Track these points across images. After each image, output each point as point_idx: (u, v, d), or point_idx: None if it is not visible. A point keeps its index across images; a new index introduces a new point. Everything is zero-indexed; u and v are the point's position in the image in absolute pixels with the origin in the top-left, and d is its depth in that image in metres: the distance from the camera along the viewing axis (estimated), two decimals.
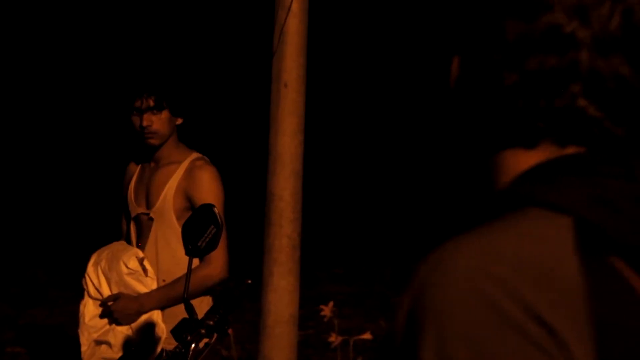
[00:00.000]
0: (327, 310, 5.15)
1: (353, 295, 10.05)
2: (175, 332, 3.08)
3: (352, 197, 14.25)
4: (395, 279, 10.62)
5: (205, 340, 3.09)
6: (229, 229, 3.23)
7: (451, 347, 0.98)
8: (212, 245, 3.16)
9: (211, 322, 3.08)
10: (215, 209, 3.21)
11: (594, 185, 1.07)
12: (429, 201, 12.76)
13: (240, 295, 3.17)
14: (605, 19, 1.09)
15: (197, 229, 3.17)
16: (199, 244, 3.16)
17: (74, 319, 8.57)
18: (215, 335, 3.08)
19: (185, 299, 3.11)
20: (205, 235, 3.16)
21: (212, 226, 3.16)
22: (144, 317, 4.14)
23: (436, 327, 1.00)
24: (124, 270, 4.14)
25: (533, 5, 1.11)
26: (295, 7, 4.49)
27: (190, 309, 3.11)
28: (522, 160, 1.13)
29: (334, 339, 5.18)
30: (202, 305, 4.00)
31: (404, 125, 14.43)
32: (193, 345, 3.03)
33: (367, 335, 5.10)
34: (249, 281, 3.18)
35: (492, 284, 0.99)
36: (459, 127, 1.23)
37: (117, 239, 4.48)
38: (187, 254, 3.17)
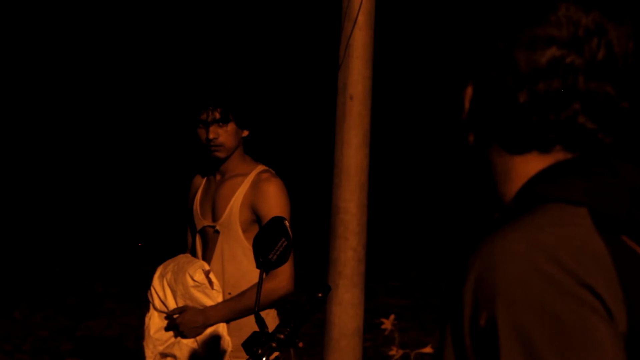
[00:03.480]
0: (387, 324, 5.12)
1: (410, 308, 10.01)
2: (246, 345, 3.05)
3: (410, 210, 14.20)
4: None
5: (276, 353, 3.06)
6: (295, 241, 3.22)
7: (521, 314, 1.22)
8: (282, 259, 3.15)
9: (282, 336, 3.05)
10: (286, 222, 3.20)
11: (592, 182, 1.33)
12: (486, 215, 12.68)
13: (311, 309, 3.15)
14: (594, 51, 1.37)
15: (268, 242, 3.16)
16: (269, 256, 3.14)
17: (131, 331, 8.65)
18: (289, 348, 3.06)
19: (256, 312, 3.10)
20: (276, 248, 3.14)
21: (283, 239, 3.15)
22: (209, 330, 4.13)
23: (505, 300, 1.23)
24: (190, 283, 4.13)
25: (538, 41, 1.38)
26: (361, 19, 4.47)
27: (260, 322, 3.09)
28: (531, 166, 1.39)
29: (395, 352, 5.15)
30: (268, 318, 3.99)
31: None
32: (264, 359, 3.01)
33: (428, 349, 5.07)
34: (320, 294, 3.16)
35: (545, 260, 1.23)
36: (474, 141, 1.48)
37: (182, 252, 4.49)
38: (258, 266, 3.15)
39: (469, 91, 1.47)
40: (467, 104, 1.47)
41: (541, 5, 1.39)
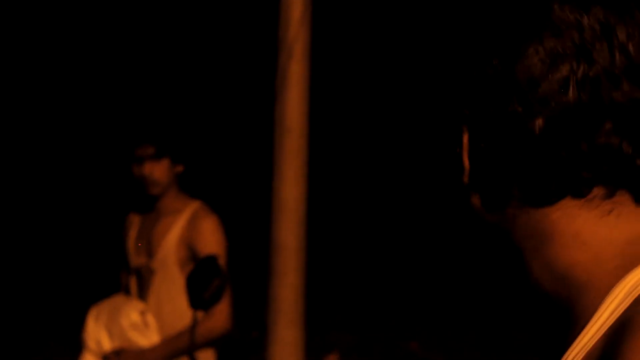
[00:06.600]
0: None
1: (358, 343, 9.96)
2: None
3: (355, 244, 14.19)
4: (400, 325, 10.54)
5: None
6: (232, 279, 3.17)
7: None
8: (216, 297, 3.11)
9: None
10: (219, 260, 3.14)
11: None
12: (435, 249, 12.73)
13: (247, 348, 3.08)
14: (608, 57, 1.09)
15: (201, 281, 3.12)
16: (203, 296, 3.09)
17: None
18: None
19: (190, 354, 3.03)
20: (210, 287, 3.10)
21: (217, 278, 3.10)
22: None
23: None
24: (126, 324, 4.05)
25: (540, 55, 1.10)
26: (297, 51, 4.44)
27: None
28: (579, 222, 1.11)
29: None
30: (207, 358, 3.93)
31: (412, 170, 14.38)
32: None
33: None
34: (255, 333, 3.09)
35: None
36: (482, 204, 1.18)
37: (117, 292, 4.40)
38: (192, 306, 3.10)
39: (465, 141, 1.17)
40: (466, 160, 1.17)
41: (533, 15, 1.12)
